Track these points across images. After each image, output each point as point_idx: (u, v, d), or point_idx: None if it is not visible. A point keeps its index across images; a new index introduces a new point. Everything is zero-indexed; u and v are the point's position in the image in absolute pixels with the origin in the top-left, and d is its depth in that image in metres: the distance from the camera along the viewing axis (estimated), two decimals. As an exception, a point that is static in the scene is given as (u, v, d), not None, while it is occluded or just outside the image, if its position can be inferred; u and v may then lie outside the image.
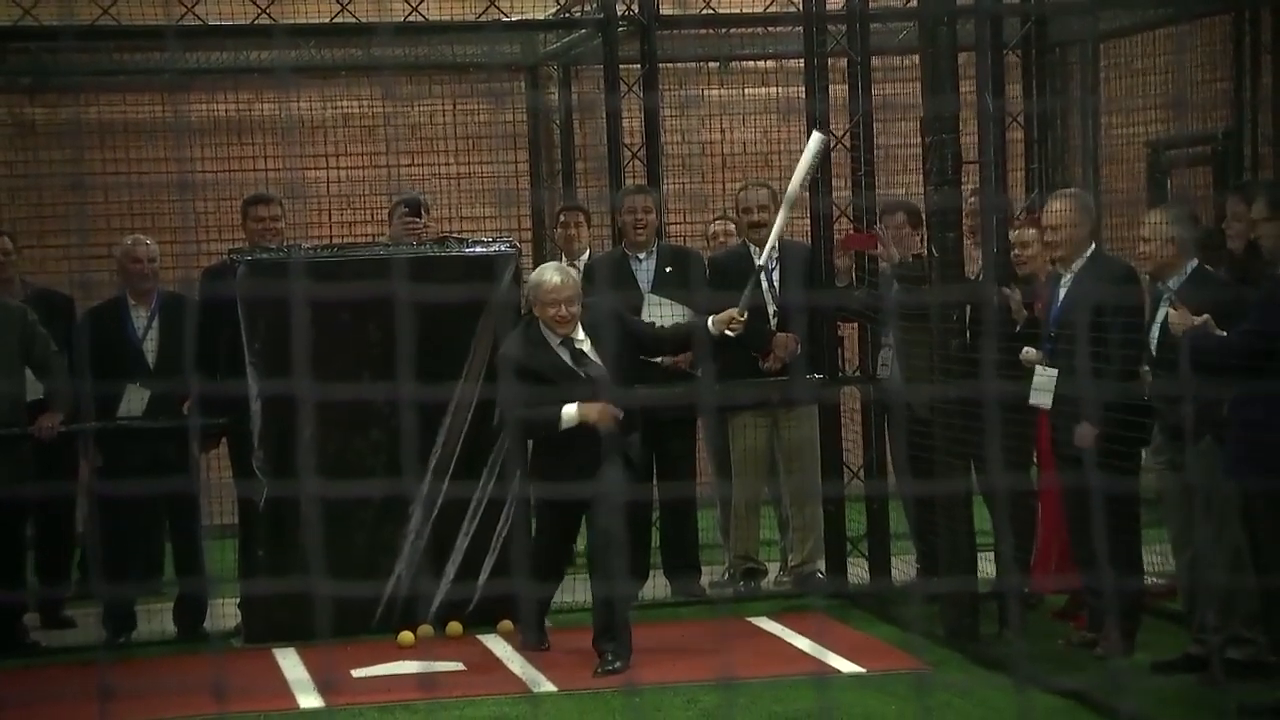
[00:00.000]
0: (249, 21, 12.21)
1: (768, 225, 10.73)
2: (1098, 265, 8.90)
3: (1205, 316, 7.95)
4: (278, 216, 10.74)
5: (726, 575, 11.14)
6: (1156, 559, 9.51)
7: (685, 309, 10.66)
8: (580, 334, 9.17)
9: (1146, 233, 8.54)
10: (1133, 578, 8.75)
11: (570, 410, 8.99)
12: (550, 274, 9.21)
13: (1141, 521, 8.87)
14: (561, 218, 11.65)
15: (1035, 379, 9.01)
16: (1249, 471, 7.82)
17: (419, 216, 10.98)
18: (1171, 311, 8.11)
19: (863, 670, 8.94)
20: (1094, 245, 9.01)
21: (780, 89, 14.04)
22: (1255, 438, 7.76)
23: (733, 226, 11.71)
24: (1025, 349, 9.18)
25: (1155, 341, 8.42)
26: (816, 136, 10.00)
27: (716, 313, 9.54)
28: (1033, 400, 9.00)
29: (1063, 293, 8.96)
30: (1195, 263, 8.44)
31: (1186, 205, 8.79)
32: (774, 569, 11.23)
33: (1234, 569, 8.18)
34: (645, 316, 10.54)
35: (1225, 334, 7.91)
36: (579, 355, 9.15)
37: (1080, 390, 8.44)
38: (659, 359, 10.59)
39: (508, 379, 9.12)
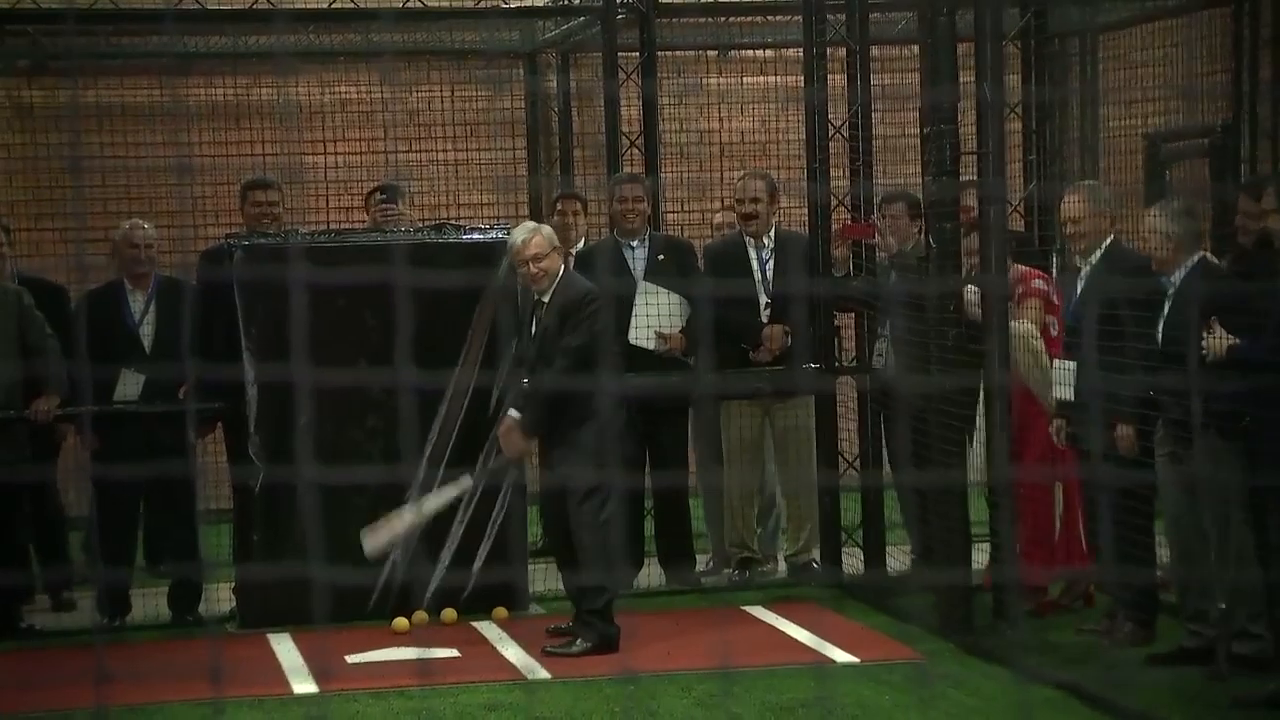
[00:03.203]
0: (247, 5, 12.19)
1: (760, 217, 10.76)
2: (1114, 257, 8.85)
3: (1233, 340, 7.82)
4: (276, 201, 10.72)
5: (709, 565, 11.17)
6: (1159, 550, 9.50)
7: (678, 296, 10.67)
8: (547, 297, 9.17)
9: (1145, 231, 8.51)
10: (1148, 568, 8.74)
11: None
12: (516, 233, 9.30)
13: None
14: (559, 205, 11.64)
15: (1054, 373, 9.00)
16: (1270, 469, 7.76)
17: (394, 203, 10.99)
18: (1208, 335, 7.92)
19: (857, 660, 8.94)
20: (1111, 237, 8.95)
21: (779, 78, 14.02)
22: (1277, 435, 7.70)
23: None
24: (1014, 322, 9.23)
25: (1161, 335, 8.37)
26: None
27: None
28: (1055, 394, 8.97)
29: (1080, 285, 8.92)
30: (1199, 256, 8.41)
31: (1184, 200, 8.75)
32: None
33: (1239, 565, 8.15)
34: (638, 303, 10.55)
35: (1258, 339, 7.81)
36: (537, 321, 9.20)
37: (1100, 383, 8.38)
38: (652, 346, 10.61)
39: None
